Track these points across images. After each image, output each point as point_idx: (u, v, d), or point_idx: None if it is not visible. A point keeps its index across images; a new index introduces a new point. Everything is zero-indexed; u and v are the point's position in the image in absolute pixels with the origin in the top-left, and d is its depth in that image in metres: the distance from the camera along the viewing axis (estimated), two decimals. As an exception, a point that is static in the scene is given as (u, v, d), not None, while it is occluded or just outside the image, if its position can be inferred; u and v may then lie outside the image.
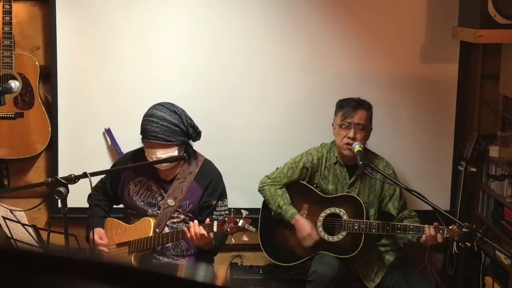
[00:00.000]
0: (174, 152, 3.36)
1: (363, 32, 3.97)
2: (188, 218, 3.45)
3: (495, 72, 3.98)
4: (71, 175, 2.77)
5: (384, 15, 3.97)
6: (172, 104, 3.44)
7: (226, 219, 3.16)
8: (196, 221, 3.26)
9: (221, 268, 4.01)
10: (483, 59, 4.03)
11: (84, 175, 2.78)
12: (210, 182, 3.48)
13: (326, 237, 3.59)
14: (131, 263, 0.72)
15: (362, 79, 3.99)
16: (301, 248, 3.65)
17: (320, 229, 3.62)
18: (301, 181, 3.70)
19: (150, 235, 3.36)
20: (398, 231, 3.43)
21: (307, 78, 4.00)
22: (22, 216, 3.04)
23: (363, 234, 3.48)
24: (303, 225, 3.60)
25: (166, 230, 3.41)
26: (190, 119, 3.46)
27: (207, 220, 3.24)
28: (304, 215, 3.65)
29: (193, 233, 3.20)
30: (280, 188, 3.70)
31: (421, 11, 3.96)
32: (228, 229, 3.15)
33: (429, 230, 3.31)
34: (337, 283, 3.46)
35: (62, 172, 3.75)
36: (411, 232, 3.40)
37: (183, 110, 3.45)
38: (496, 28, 3.49)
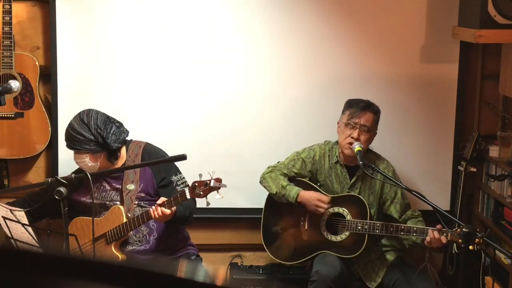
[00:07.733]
0: (85, 158, 3.44)
1: (363, 32, 3.97)
2: (150, 197, 3.49)
3: (495, 72, 3.97)
4: (71, 175, 2.77)
5: (384, 15, 3.96)
6: (88, 111, 3.47)
7: (196, 183, 3.16)
8: (158, 201, 3.28)
9: (221, 268, 4.01)
10: (483, 59, 4.03)
11: (84, 175, 2.79)
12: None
13: (329, 236, 3.59)
14: (131, 263, 0.72)
15: (362, 79, 3.99)
16: (304, 246, 3.65)
17: (323, 228, 3.61)
18: (303, 179, 3.69)
19: (124, 221, 3.40)
20: (402, 233, 3.42)
21: (308, 78, 4.00)
22: (22, 216, 3.05)
23: (367, 235, 3.48)
24: (309, 196, 3.58)
25: (137, 212, 3.44)
26: (101, 128, 3.41)
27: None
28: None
29: (156, 215, 3.24)
30: (281, 174, 3.68)
31: (421, 11, 3.96)
32: (201, 192, 3.14)
33: (433, 233, 3.29)
34: (339, 284, 3.46)
35: (62, 172, 3.75)
36: (414, 234, 3.39)
37: (98, 119, 3.44)
38: (496, 28, 3.49)
